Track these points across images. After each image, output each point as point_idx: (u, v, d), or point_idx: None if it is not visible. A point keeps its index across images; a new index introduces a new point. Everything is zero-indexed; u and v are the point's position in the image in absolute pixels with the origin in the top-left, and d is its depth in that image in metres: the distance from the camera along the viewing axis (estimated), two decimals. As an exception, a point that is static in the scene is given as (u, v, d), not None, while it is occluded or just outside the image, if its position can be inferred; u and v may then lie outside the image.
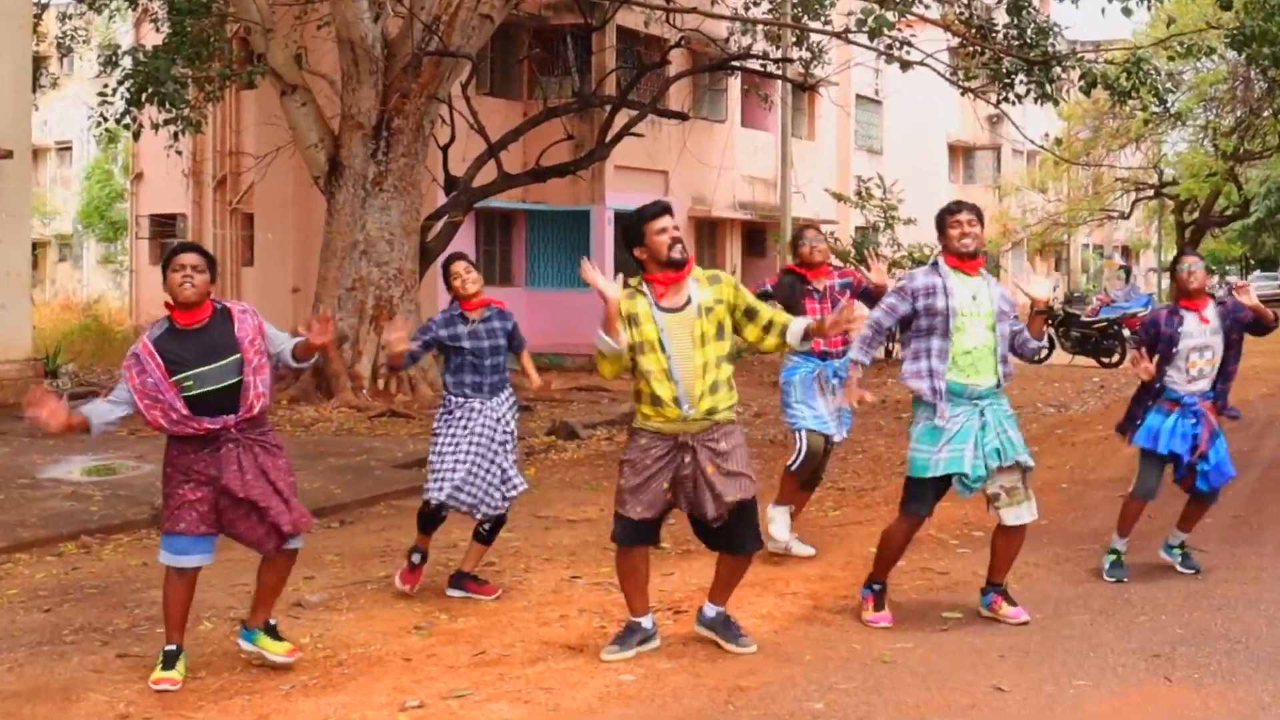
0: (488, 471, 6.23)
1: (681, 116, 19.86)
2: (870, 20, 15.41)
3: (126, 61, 15.45)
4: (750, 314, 5.38)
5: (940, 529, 7.67)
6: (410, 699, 4.88)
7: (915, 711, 4.72)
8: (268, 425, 5.24)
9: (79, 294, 32.40)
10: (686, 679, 5.09)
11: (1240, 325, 6.60)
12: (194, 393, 4.98)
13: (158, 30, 17.85)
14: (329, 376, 14.61)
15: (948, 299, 5.67)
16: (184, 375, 4.98)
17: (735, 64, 20.89)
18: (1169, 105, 22.89)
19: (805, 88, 22.80)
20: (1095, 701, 4.82)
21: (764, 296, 6.81)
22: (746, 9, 20.50)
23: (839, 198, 24.01)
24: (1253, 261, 52.56)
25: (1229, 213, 36.97)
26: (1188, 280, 6.59)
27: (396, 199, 15.12)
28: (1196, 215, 35.93)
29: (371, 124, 15.01)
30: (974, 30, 17.65)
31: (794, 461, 7.11)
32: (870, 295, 7.07)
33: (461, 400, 6.30)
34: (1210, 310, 6.57)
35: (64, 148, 35.95)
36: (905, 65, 17.71)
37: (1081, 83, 16.00)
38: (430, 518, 6.39)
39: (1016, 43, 17.03)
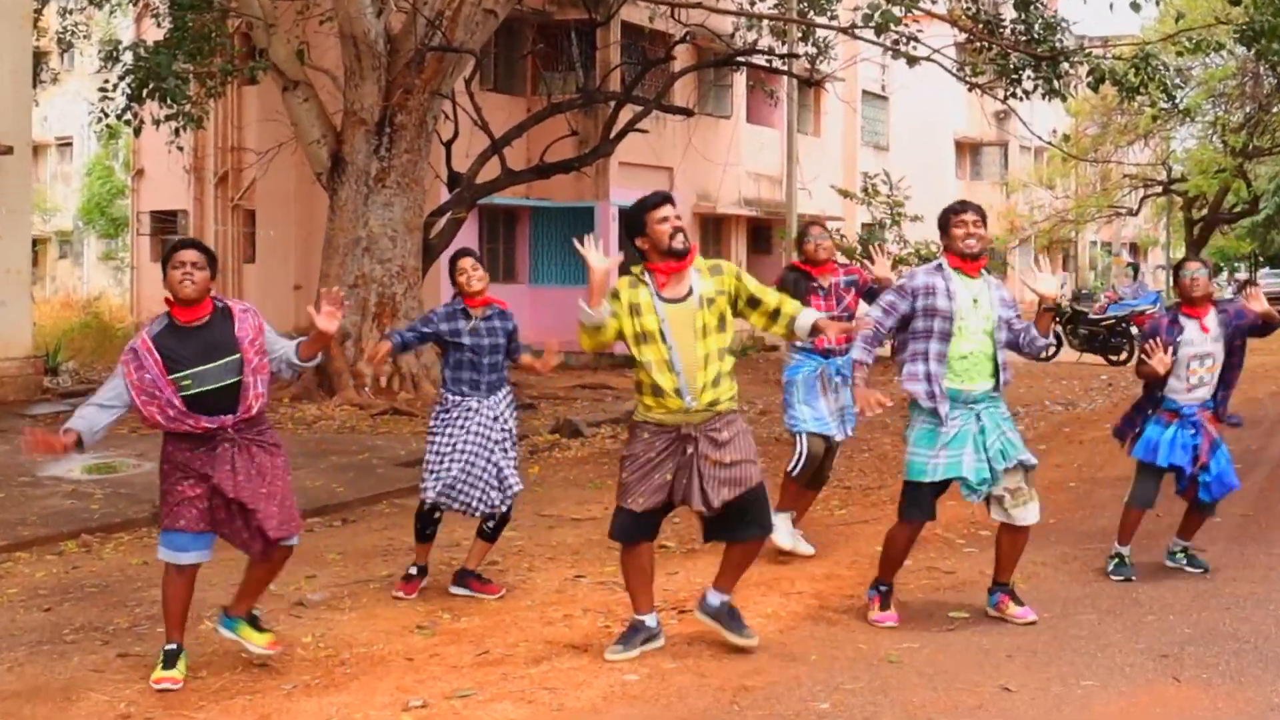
0: (484, 470, 6.20)
1: (686, 112, 19.80)
2: (877, 15, 15.30)
3: (127, 57, 15.39)
4: (754, 302, 5.36)
5: (947, 528, 7.64)
6: (413, 699, 4.85)
7: (922, 712, 4.69)
8: (266, 424, 5.20)
9: (79, 291, 32.32)
10: (691, 678, 5.06)
11: (1243, 331, 6.54)
12: (192, 392, 4.94)
13: (159, 25, 17.79)
14: (331, 374, 14.57)
15: (950, 301, 5.62)
16: (182, 374, 4.94)
17: (741, 60, 20.79)
18: (1177, 101, 22.74)
19: (811, 83, 22.70)
20: (1103, 702, 4.78)
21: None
22: (752, 4, 20.40)
23: (845, 194, 23.95)
24: (1262, 258, 52.34)
25: (1238, 209, 36.80)
26: (1190, 287, 6.54)
27: (399, 195, 15.08)
28: (1205, 212, 35.76)
29: (374, 120, 14.97)
30: (981, 25, 17.55)
31: (794, 466, 7.07)
32: (875, 293, 7.03)
33: (459, 399, 6.29)
34: (1211, 318, 6.51)
35: (64, 144, 35.85)
36: (912, 61, 17.62)
37: (1089, 78, 15.92)
38: (426, 518, 6.38)
39: (1024, 38, 16.96)
